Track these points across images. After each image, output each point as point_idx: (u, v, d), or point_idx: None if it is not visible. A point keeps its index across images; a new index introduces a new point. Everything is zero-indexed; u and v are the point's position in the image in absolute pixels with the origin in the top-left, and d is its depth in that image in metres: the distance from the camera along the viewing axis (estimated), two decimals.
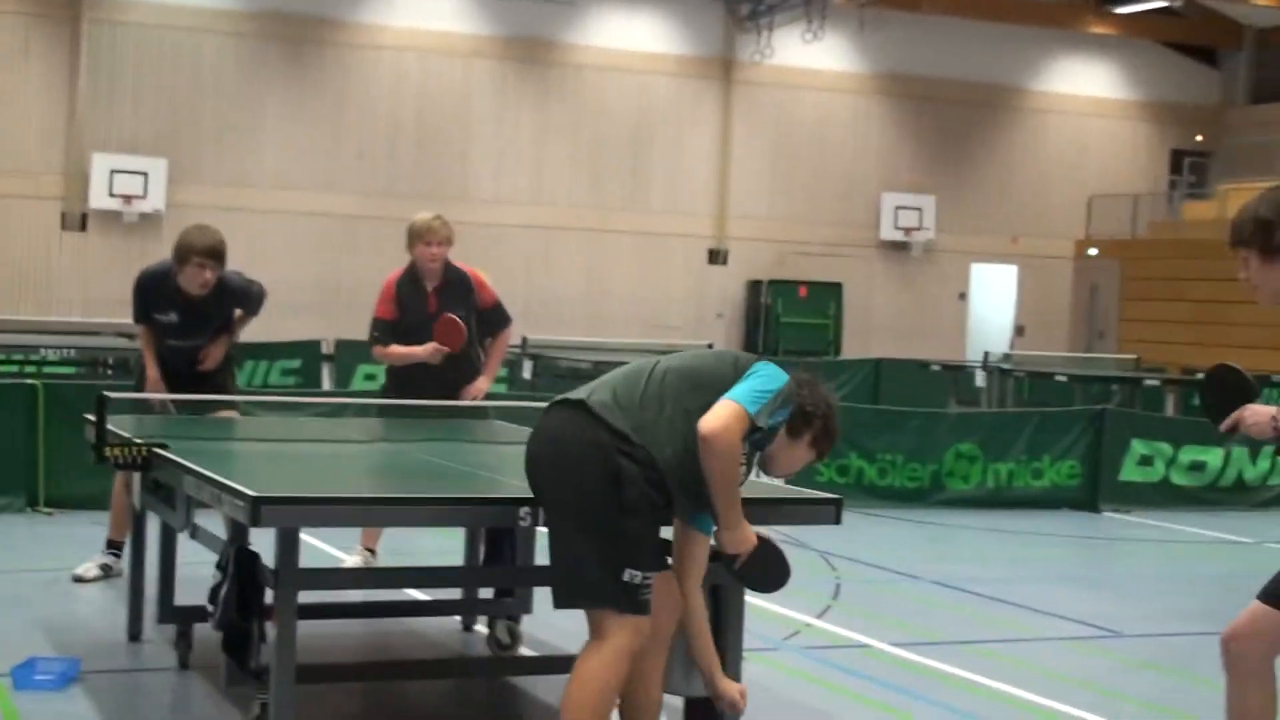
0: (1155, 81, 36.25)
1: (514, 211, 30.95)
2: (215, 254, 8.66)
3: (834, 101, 33.57)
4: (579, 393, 5.25)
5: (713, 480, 5.11)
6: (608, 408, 5.12)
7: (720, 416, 5.04)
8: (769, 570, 5.42)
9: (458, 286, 9.22)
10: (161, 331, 8.90)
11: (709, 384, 5.17)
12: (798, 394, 5.29)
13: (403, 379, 9.21)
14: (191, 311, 8.83)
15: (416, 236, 9.15)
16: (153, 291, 8.85)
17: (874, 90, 33.86)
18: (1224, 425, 4.96)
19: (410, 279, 9.24)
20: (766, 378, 5.19)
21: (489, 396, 9.44)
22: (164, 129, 28.70)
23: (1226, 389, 5.05)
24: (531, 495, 5.35)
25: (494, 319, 9.34)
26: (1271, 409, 4.86)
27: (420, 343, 9.06)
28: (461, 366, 9.19)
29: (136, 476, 6.92)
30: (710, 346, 23.86)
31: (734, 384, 5.15)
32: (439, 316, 9.07)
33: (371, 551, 9.42)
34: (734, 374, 5.19)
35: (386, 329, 9.20)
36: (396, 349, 9.18)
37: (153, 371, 8.93)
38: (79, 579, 8.93)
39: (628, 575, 5.03)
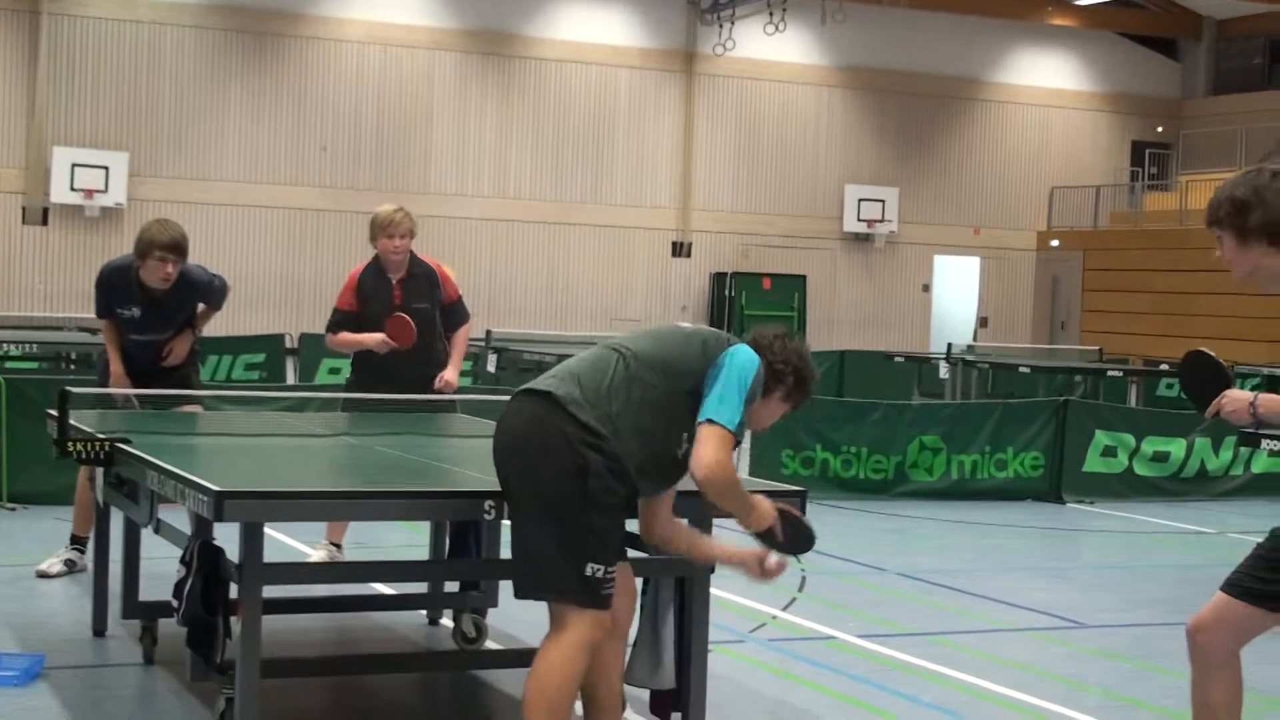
0: (1116, 73, 36.42)
1: (477, 205, 30.93)
2: (177, 248, 8.62)
3: (797, 94, 33.63)
4: (544, 382, 5.20)
5: (722, 504, 5.21)
6: (574, 400, 5.07)
7: (709, 451, 5.01)
8: (799, 531, 5.45)
9: (422, 279, 9.21)
10: (124, 326, 8.87)
11: (677, 371, 5.14)
12: (768, 352, 5.27)
13: (369, 371, 9.19)
14: (154, 306, 8.80)
15: (379, 229, 9.14)
16: (115, 286, 8.81)
17: (836, 83, 33.93)
18: (1208, 411, 4.97)
19: (375, 271, 9.23)
20: (739, 371, 5.12)
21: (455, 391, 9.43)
22: (125, 122, 28.59)
23: (1203, 374, 5.07)
24: (498, 488, 5.35)
25: (456, 313, 9.34)
26: (1249, 394, 4.88)
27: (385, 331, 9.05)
28: (428, 360, 9.19)
29: (99, 471, 6.89)
30: None
31: (702, 372, 5.11)
32: (403, 309, 9.06)
33: (337, 546, 9.40)
34: (702, 361, 5.15)
35: (341, 318, 9.20)
36: (346, 336, 9.18)
37: (116, 367, 8.90)
38: (43, 574, 8.89)
39: (590, 569, 5.01)
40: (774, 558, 5.43)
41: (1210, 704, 4.88)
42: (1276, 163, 4.98)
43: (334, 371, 19.34)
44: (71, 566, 8.97)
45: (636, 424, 5.10)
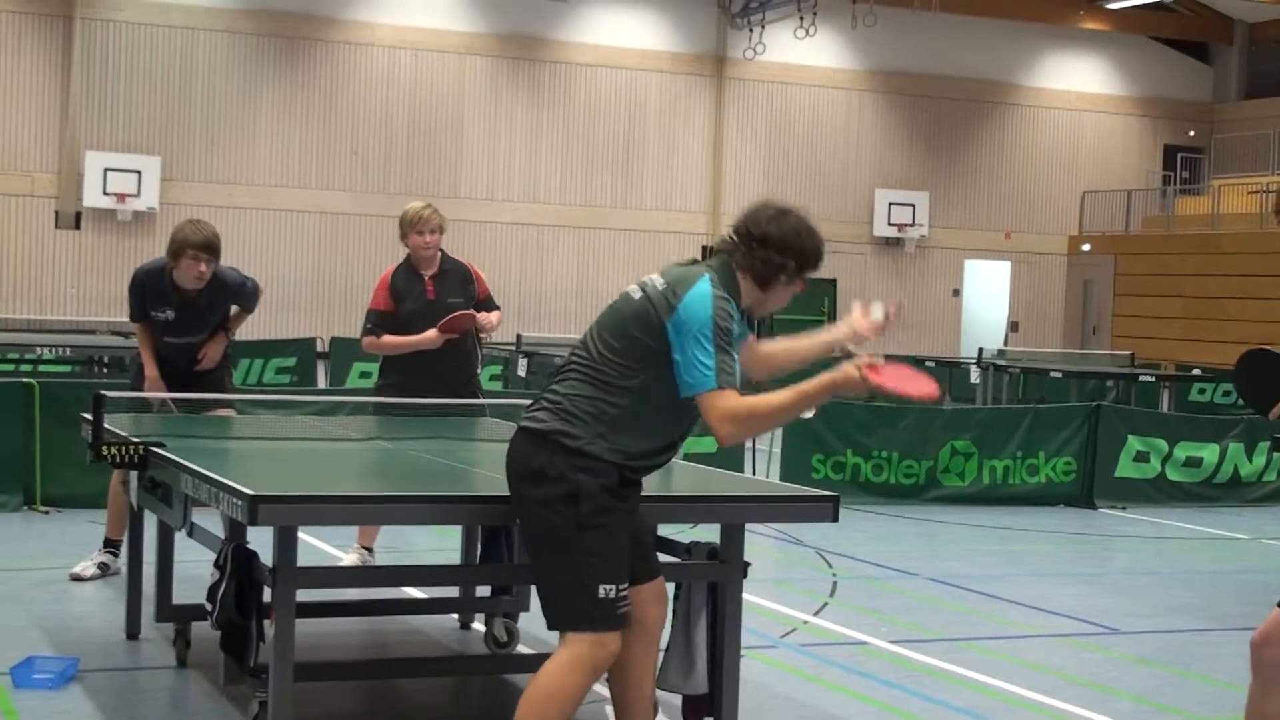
0: (1147, 77, 36.30)
1: (507, 209, 30.96)
2: (210, 248, 8.65)
3: (827, 98, 33.60)
4: (533, 414, 5.13)
5: (770, 429, 5.23)
6: (558, 423, 5.02)
7: (714, 421, 4.93)
8: (908, 377, 5.18)
9: (455, 275, 9.24)
10: (158, 329, 8.89)
11: (644, 357, 5.01)
12: (761, 248, 5.13)
13: (399, 373, 9.19)
14: (188, 308, 8.83)
15: (409, 225, 9.17)
16: (149, 289, 8.83)
17: (867, 86, 33.89)
18: (1274, 413, 4.90)
19: (407, 269, 9.25)
20: (694, 331, 4.95)
21: (485, 395, 9.45)
22: (157, 127, 28.70)
23: (1263, 374, 4.98)
24: None
25: (488, 306, 9.37)
26: None
27: (419, 330, 9.05)
28: (459, 360, 9.20)
29: (133, 475, 6.92)
30: None
31: (666, 344, 4.97)
32: (438, 304, 9.08)
33: (369, 550, 9.42)
34: (659, 337, 4.99)
35: (380, 320, 9.20)
36: (390, 339, 9.17)
37: (151, 370, 8.92)
38: (77, 578, 8.92)
39: (603, 591, 4.99)
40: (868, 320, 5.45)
41: (1266, 715, 4.84)
42: None
43: (365, 375, 19.39)
44: (105, 570, 9.00)
45: (636, 426, 5.05)
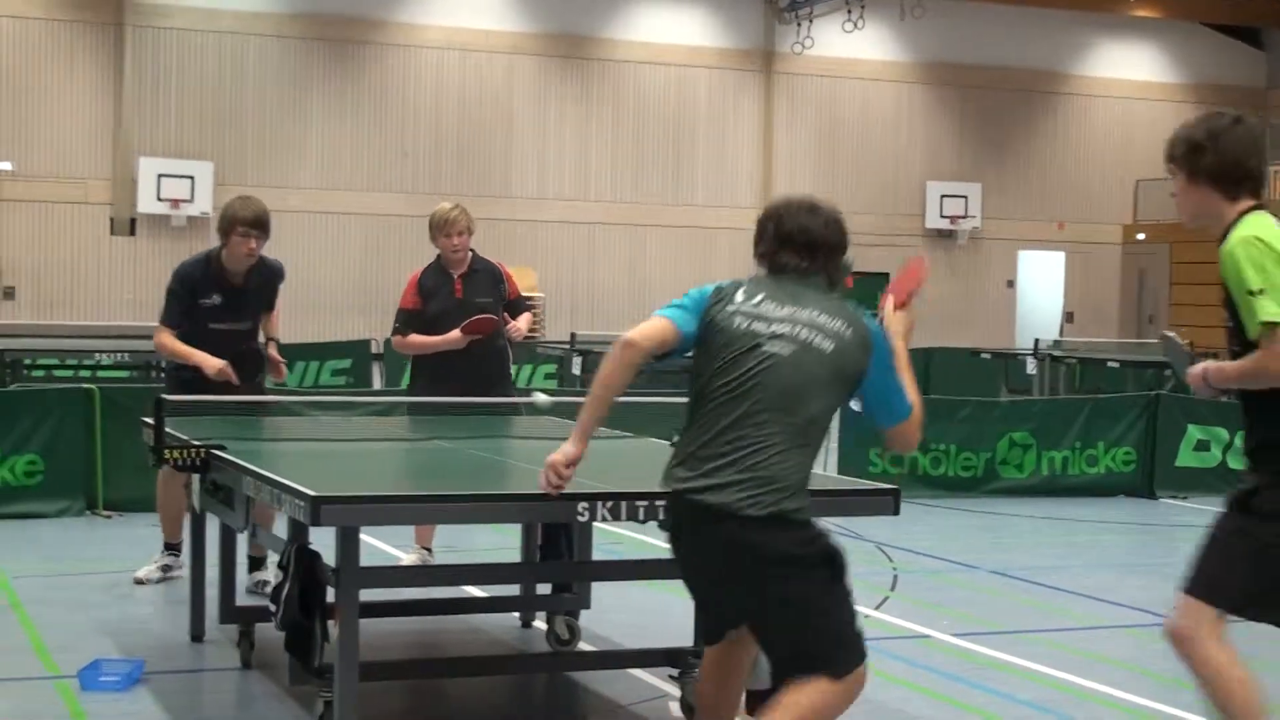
0: (1199, 63, 36.03)
1: (557, 208, 30.99)
2: (260, 223, 8.59)
3: (876, 91, 33.49)
4: (728, 486, 4.79)
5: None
6: (787, 501, 4.81)
7: (918, 429, 5.16)
8: (902, 280, 5.46)
9: (486, 275, 9.30)
10: (205, 316, 8.69)
11: (844, 379, 4.95)
12: (839, 266, 5.17)
13: (430, 372, 9.20)
14: (234, 293, 8.76)
15: (437, 228, 9.25)
16: (194, 278, 8.72)
17: (916, 79, 33.76)
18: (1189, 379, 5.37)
19: (436, 269, 9.31)
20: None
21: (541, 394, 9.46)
22: (209, 132, 28.85)
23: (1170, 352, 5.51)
24: (592, 490, 5.36)
25: (519, 308, 9.45)
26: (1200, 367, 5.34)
27: (446, 329, 9.06)
28: (491, 359, 9.22)
29: (195, 478, 6.96)
30: None
31: (871, 363, 4.97)
32: (466, 303, 9.11)
33: (428, 550, 9.44)
34: (865, 350, 4.99)
35: (407, 319, 9.24)
36: (416, 338, 9.21)
37: (210, 359, 8.56)
38: (140, 581, 8.98)
39: (857, 624, 4.95)
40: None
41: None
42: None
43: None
44: (167, 571, 9.05)
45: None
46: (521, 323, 9.33)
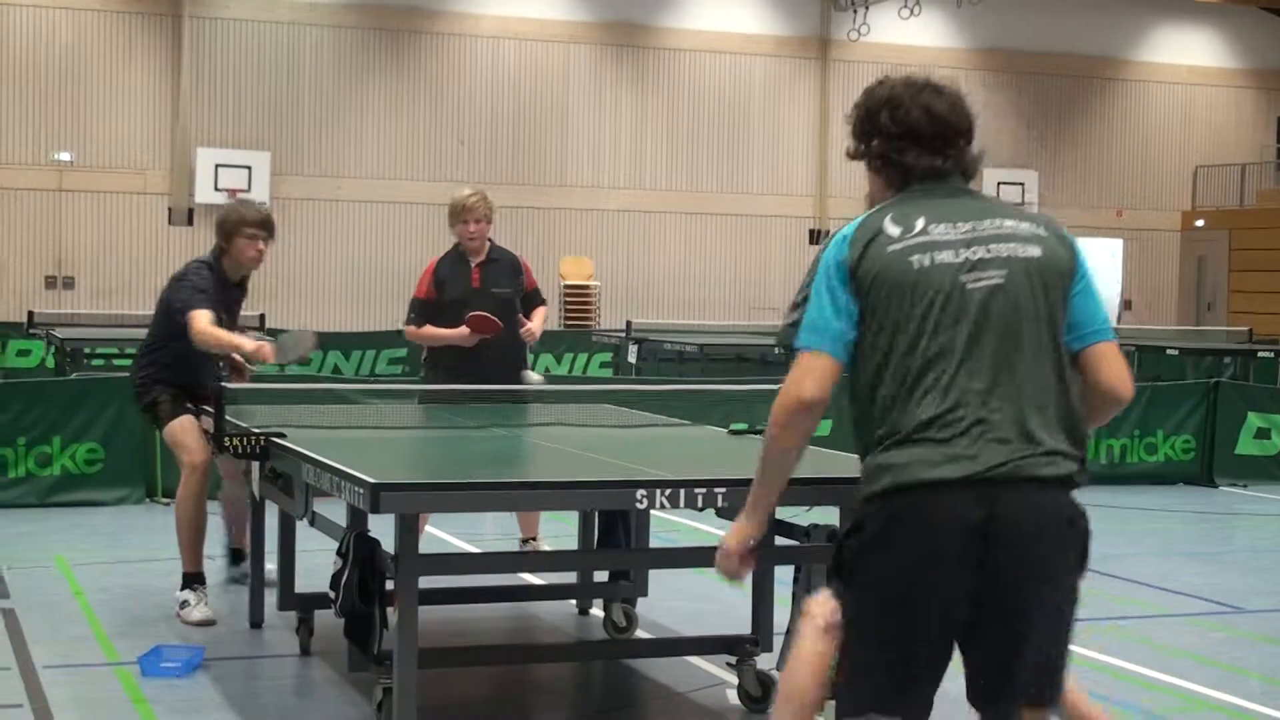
0: (1259, 48, 35.68)
1: (613, 196, 30.97)
2: (268, 225, 8.32)
3: (933, 77, 33.30)
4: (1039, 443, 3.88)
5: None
6: (1078, 456, 4.02)
7: (1126, 369, 4.11)
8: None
9: (504, 265, 9.29)
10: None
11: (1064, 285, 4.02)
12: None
13: (445, 364, 9.15)
14: (223, 303, 8.27)
15: (455, 215, 9.25)
16: (207, 278, 8.18)
17: (973, 65, 33.57)
18: None
19: (454, 257, 9.26)
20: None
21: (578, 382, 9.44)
22: (266, 122, 28.97)
23: None
24: (650, 477, 5.35)
25: (534, 300, 9.44)
26: None
27: (462, 318, 9.00)
28: (509, 351, 9.18)
29: (255, 466, 7.00)
30: None
31: (1079, 265, 4.10)
32: (484, 291, 9.07)
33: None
34: (1070, 250, 4.13)
35: (421, 309, 9.20)
36: (429, 330, 9.16)
37: (247, 340, 8.12)
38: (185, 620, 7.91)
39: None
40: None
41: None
42: None
43: None
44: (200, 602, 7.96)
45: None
46: (536, 324, 9.29)
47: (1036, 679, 3.94)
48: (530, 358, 9.63)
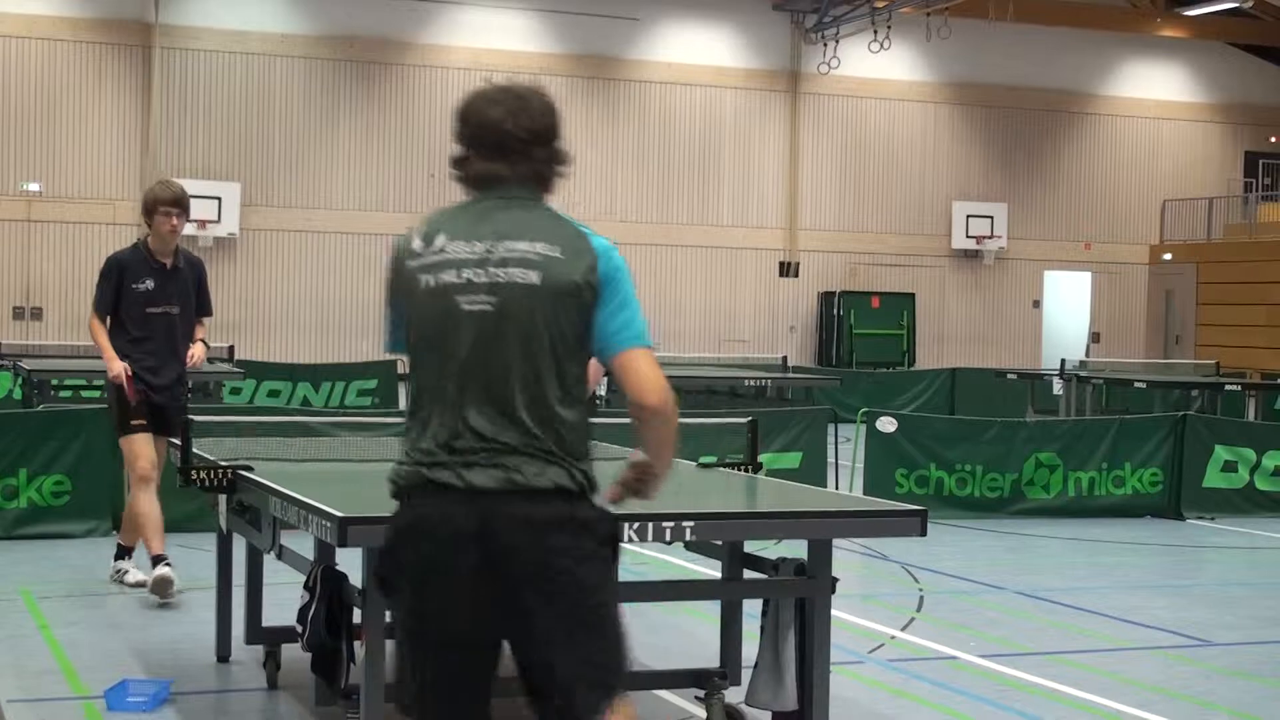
0: (1227, 84, 35.95)
1: None
2: (179, 202, 9.17)
3: (903, 111, 33.48)
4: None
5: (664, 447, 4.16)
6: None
7: (651, 375, 4.03)
8: None
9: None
10: (141, 300, 9.15)
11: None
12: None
13: None
14: (165, 275, 9.21)
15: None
16: (126, 263, 9.24)
17: (943, 99, 33.76)
18: None
19: None
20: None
21: None
22: (237, 153, 28.97)
23: None
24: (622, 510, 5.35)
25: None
26: None
27: None
28: None
29: (222, 499, 6.97)
30: (784, 359, 23.83)
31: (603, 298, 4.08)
32: None
33: None
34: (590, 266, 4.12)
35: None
36: None
37: (114, 360, 9.10)
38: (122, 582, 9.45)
39: None
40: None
41: None
42: None
43: None
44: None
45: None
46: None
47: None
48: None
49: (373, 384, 21.62)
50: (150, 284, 9.15)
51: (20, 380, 17.81)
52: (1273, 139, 36.26)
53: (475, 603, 3.97)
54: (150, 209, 9.17)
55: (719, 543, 6.41)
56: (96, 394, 16.76)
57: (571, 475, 4.00)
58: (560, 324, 3.99)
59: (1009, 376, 24.10)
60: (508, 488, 3.93)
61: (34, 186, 27.80)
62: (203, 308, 9.50)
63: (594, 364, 3.90)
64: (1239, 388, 22.07)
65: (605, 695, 3.98)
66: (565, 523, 3.97)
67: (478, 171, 4.06)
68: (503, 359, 3.96)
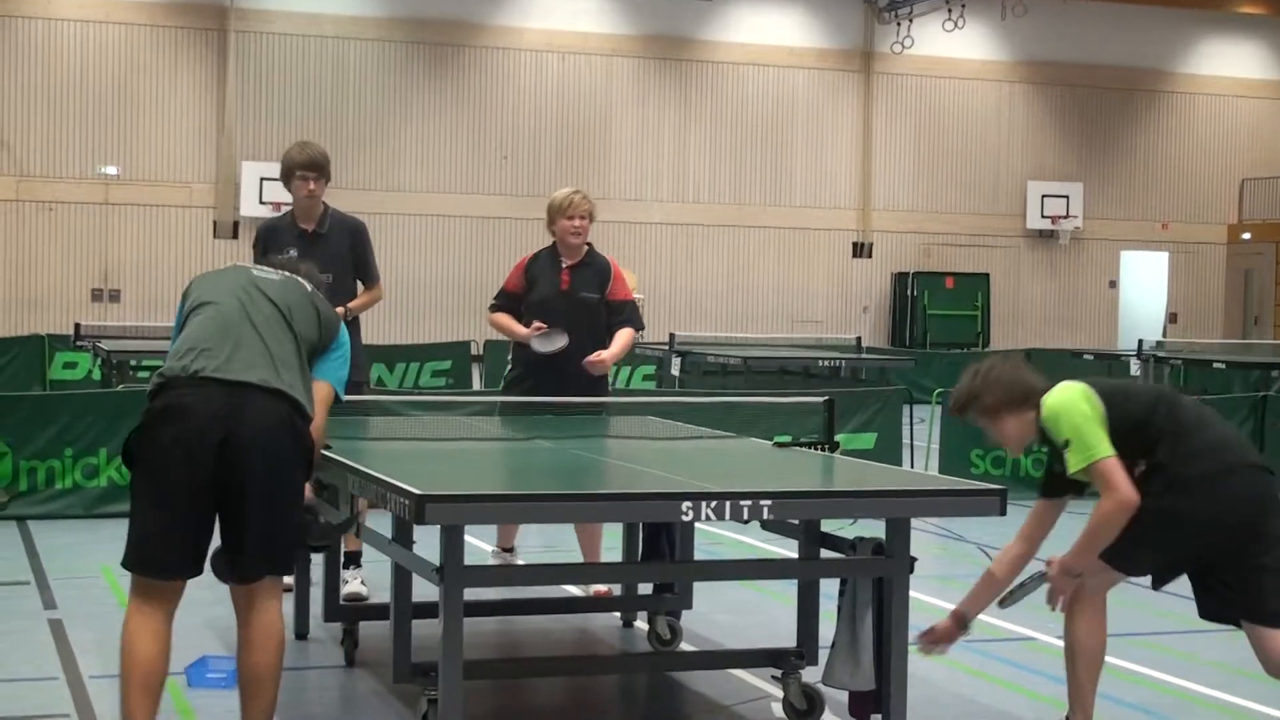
0: None
1: (656, 209, 31.00)
2: (315, 165, 8.88)
3: (977, 90, 33.26)
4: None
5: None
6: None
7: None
8: None
9: (594, 269, 9.02)
10: None
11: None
12: None
13: (527, 365, 9.06)
14: (306, 242, 8.76)
15: (557, 211, 8.97)
16: (272, 229, 8.96)
17: (1017, 78, 33.50)
18: None
19: (549, 255, 9.05)
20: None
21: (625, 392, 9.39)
22: (310, 136, 28.90)
23: None
24: (694, 489, 5.34)
25: (623, 312, 9.09)
26: None
27: (547, 317, 8.91)
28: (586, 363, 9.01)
29: None
30: (858, 340, 23.77)
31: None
32: (570, 295, 8.95)
33: (510, 551, 9.30)
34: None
35: (505, 298, 9.12)
36: (501, 318, 9.09)
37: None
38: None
39: None
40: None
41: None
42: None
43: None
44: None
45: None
46: (610, 352, 8.93)
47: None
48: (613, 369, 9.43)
49: (446, 365, 21.70)
50: (294, 251, 8.52)
51: (99, 361, 18.00)
52: None
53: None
54: (287, 174, 8.90)
55: (795, 522, 6.39)
56: None
57: None
58: None
59: (1085, 357, 23.91)
60: None
61: (112, 170, 28.04)
62: (361, 271, 9.06)
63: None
64: None
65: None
66: None
67: None
68: None
